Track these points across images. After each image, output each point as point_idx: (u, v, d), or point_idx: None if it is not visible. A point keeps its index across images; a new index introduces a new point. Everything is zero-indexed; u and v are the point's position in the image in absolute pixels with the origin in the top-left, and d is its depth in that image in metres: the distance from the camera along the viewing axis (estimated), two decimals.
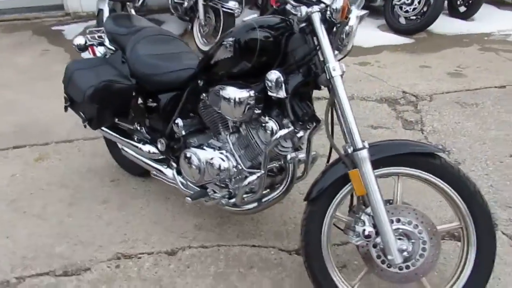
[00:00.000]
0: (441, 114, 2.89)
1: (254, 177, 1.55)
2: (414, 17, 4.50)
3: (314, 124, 1.55)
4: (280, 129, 1.49)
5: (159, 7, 5.48)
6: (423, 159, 1.38)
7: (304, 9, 1.37)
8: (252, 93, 1.48)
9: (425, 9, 4.41)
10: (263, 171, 1.52)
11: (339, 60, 1.47)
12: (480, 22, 4.98)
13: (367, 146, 1.35)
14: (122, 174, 2.37)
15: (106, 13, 2.53)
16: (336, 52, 1.41)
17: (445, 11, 5.03)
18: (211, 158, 1.65)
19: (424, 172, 1.37)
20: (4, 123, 3.02)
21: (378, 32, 4.66)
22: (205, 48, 4.12)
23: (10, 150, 2.72)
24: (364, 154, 1.32)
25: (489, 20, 5.04)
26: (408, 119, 2.85)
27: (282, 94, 1.43)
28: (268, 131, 1.50)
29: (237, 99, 1.47)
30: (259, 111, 1.52)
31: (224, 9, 3.74)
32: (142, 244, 1.87)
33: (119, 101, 1.88)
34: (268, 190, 1.68)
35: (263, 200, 1.65)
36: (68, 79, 1.97)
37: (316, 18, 1.34)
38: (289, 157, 1.56)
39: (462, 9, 5.05)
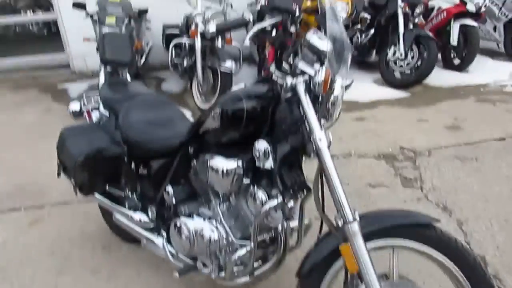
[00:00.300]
0: (440, 170, 2.85)
1: (243, 251, 1.50)
2: (409, 71, 4.58)
3: (306, 192, 1.52)
4: (269, 199, 1.45)
5: (161, 64, 5.63)
6: (418, 229, 1.33)
7: (289, 80, 1.38)
8: (240, 163, 1.46)
9: (419, 63, 4.50)
10: (252, 245, 1.47)
11: (327, 128, 1.48)
12: (475, 74, 5.06)
13: (357, 218, 1.30)
14: (114, 240, 2.32)
15: (102, 79, 2.58)
16: (323, 121, 1.41)
17: (439, 63, 5.14)
18: (201, 229, 1.61)
19: (419, 244, 1.32)
20: (3, 184, 3.02)
21: (374, 87, 4.73)
22: (204, 106, 4.19)
23: (7, 212, 2.69)
24: (355, 227, 1.27)
25: (484, 71, 5.12)
26: (407, 176, 2.81)
27: (269, 164, 1.41)
28: (258, 202, 1.47)
29: (224, 170, 1.46)
30: (248, 181, 1.50)
31: (221, 69, 3.83)
32: None
33: (110, 168, 1.87)
34: (260, 261, 1.62)
35: (256, 273, 1.59)
36: (61, 145, 1.97)
37: (301, 88, 1.35)
38: (280, 227, 1.52)
39: (457, 61, 5.15)
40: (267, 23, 1.28)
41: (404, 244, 1.33)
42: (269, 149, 1.41)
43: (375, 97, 4.35)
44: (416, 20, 4.66)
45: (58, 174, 2.06)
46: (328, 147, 1.37)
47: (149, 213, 1.87)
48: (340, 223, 1.31)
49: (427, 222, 1.34)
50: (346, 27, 4.80)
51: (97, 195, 2.07)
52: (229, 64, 3.82)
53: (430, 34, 4.55)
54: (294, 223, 1.58)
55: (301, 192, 1.51)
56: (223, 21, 1.27)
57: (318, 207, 1.43)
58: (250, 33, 1.26)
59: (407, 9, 4.50)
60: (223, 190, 1.53)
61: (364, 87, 4.67)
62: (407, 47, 4.47)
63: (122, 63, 2.21)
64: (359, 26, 5.04)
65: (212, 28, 1.18)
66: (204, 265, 1.64)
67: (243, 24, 1.30)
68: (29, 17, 6.87)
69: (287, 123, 1.43)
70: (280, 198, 1.44)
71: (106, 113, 2.09)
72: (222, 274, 1.57)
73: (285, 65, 1.41)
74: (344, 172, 2.90)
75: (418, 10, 4.54)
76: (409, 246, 1.33)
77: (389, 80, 4.70)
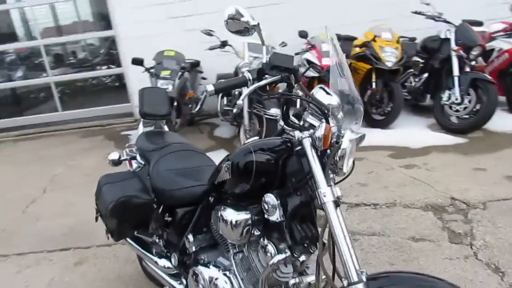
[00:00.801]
0: (495, 226, 2.59)
1: None
2: (467, 116, 4.32)
3: (319, 247, 1.46)
4: (278, 253, 1.42)
5: (216, 111, 5.89)
6: None
7: (297, 134, 1.39)
8: (249, 215, 1.46)
9: (477, 107, 4.23)
10: None
11: (336, 183, 1.44)
12: None
13: (364, 279, 1.22)
14: (147, 284, 2.37)
15: (140, 130, 2.76)
16: (333, 175, 1.38)
17: (504, 107, 4.79)
18: (216, 279, 1.60)
19: None
20: (58, 226, 3.26)
21: (428, 132, 4.50)
22: None
23: (57, 252, 2.89)
24: None
25: None
26: (456, 231, 2.58)
27: (276, 217, 1.40)
28: (267, 255, 1.44)
29: (233, 222, 1.46)
30: (258, 233, 1.49)
31: (266, 116, 3.92)
32: None
33: (138, 215, 1.95)
34: None
35: None
36: (98, 191, 2.11)
37: (307, 143, 1.34)
38: (291, 283, 1.47)
39: None
40: (264, 82, 1.30)
41: None
42: (276, 203, 1.40)
43: (428, 143, 4.13)
44: (474, 63, 4.43)
45: (96, 219, 2.19)
46: (337, 202, 1.32)
47: (172, 260, 1.90)
48: (345, 283, 1.24)
49: None
50: (396, 72, 4.70)
51: (129, 240, 2.16)
52: (273, 111, 3.90)
53: (489, 77, 4.29)
54: (310, 278, 1.52)
55: (313, 247, 1.46)
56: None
57: (321, 265, 1.37)
58: (246, 92, 1.28)
59: (461, 52, 4.31)
60: (233, 241, 1.53)
61: (417, 132, 4.47)
62: (462, 91, 4.25)
63: (159, 116, 2.35)
64: (411, 70, 4.92)
65: (210, 88, 1.23)
66: None
67: (242, 83, 1.36)
68: (103, 71, 7.61)
69: (297, 177, 1.42)
70: (288, 252, 1.41)
71: (142, 161, 2.22)
72: None
73: (292, 119, 1.42)
74: (385, 223, 2.75)
75: (474, 52, 4.33)
76: None
77: (444, 125, 4.46)
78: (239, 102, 1.32)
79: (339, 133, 1.33)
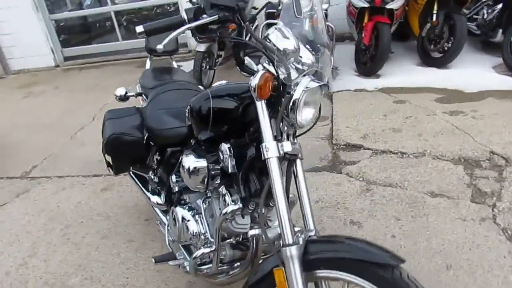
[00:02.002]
0: None
1: (206, 250, 1.48)
2: None
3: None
4: (231, 203, 1.39)
5: None
6: (374, 268, 1.11)
7: (253, 81, 1.27)
8: (205, 164, 1.43)
9: None
10: (214, 247, 1.44)
11: (297, 136, 1.33)
12: None
13: (300, 242, 1.16)
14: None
15: (147, 66, 2.74)
16: (287, 128, 1.27)
17: None
18: (188, 220, 1.64)
19: (371, 285, 1.11)
20: (97, 153, 3.48)
21: (491, 74, 3.94)
22: None
23: (90, 177, 3.14)
24: (293, 251, 1.14)
25: None
26: (482, 189, 2.33)
27: (230, 168, 1.35)
28: (221, 204, 1.42)
29: (190, 168, 1.44)
30: (217, 182, 1.46)
31: None
32: None
33: (129, 152, 2.01)
34: (238, 263, 1.58)
35: (231, 272, 1.56)
36: (102, 126, 2.20)
37: (254, 93, 1.23)
38: (250, 233, 1.44)
39: None
40: (198, 22, 1.14)
41: (354, 281, 1.13)
42: (228, 153, 1.35)
43: (486, 86, 3.64)
44: None
45: (102, 152, 2.30)
46: (285, 158, 1.23)
47: (161, 197, 1.97)
48: (281, 243, 1.18)
49: (385, 263, 1.11)
50: (464, 2, 4.06)
51: (130, 174, 2.26)
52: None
53: None
54: (273, 232, 1.49)
55: (272, 201, 1.40)
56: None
57: (262, 226, 1.31)
58: (174, 34, 1.13)
59: None
60: (192, 188, 1.52)
61: (477, 74, 3.94)
62: None
63: (166, 53, 2.31)
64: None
65: (139, 29, 1.11)
66: (185, 255, 1.67)
67: (177, 23, 1.23)
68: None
69: (253, 127, 1.34)
70: (239, 204, 1.37)
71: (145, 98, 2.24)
72: (187, 268, 1.58)
73: (249, 64, 1.29)
74: (406, 174, 2.56)
75: None
76: (360, 284, 1.13)
77: (511, 66, 3.86)
78: (159, 46, 1.16)
79: (289, 82, 1.20)
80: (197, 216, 1.63)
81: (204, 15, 1.22)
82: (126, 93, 2.31)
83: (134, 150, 2.01)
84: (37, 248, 2.35)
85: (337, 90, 4.04)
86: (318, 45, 1.26)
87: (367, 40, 4.21)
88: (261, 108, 1.23)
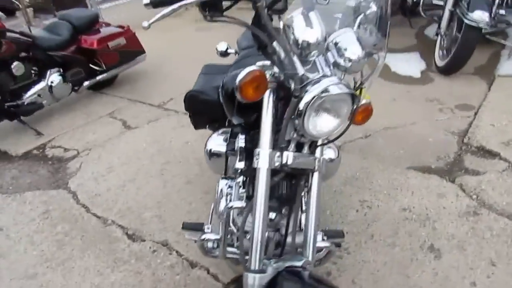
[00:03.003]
0: None
1: (211, 236, 1.41)
2: None
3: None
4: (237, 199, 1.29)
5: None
6: None
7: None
8: (226, 149, 1.33)
9: None
10: (220, 235, 1.37)
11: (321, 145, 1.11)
12: None
13: (268, 271, 1.02)
14: None
15: None
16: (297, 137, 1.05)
17: None
18: (221, 197, 1.59)
19: None
20: (168, 91, 3.69)
21: None
22: (439, 62, 3.45)
23: (164, 117, 3.33)
24: (256, 280, 1.01)
25: None
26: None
27: (238, 160, 1.23)
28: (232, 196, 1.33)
29: (211, 150, 1.37)
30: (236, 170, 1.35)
31: (466, 21, 2.96)
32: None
33: (204, 111, 2.01)
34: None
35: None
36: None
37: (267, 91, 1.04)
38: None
39: None
40: (179, 4, 0.90)
41: None
42: (242, 145, 1.21)
43: None
44: None
45: None
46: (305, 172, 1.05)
47: None
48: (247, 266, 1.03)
49: None
50: None
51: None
52: (477, 16, 2.91)
53: None
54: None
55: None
56: None
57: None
58: (168, 10, 0.92)
59: None
60: (211, 169, 1.44)
61: None
62: None
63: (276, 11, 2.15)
64: None
65: (145, 1, 0.94)
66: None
67: None
68: None
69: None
70: (244, 203, 1.24)
71: None
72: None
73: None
74: None
75: None
76: None
77: None
78: (144, 24, 0.99)
79: (296, 84, 0.96)
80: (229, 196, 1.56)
81: None
82: (227, 49, 2.26)
83: (210, 110, 2.00)
84: (138, 175, 2.67)
85: (505, 74, 3.20)
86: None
87: None
88: (266, 107, 1.04)
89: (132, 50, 4.20)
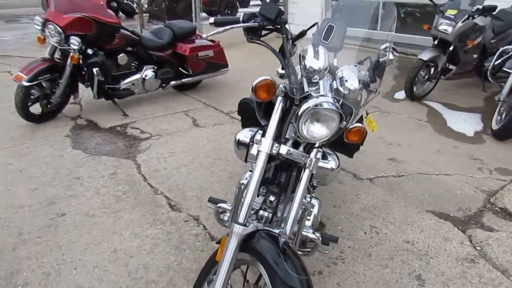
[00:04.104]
0: None
1: (225, 205, 1.80)
2: None
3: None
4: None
5: None
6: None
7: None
8: (249, 141, 1.71)
9: None
10: (231, 206, 1.74)
11: (317, 147, 1.46)
12: None
13: (248, 226, 1.34)
14: None
15: None
16: (294, 134, 1.42)
17: None
18: None
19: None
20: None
21: None
22: (495, 127, 3.52)
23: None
24: (238, 230, 1.35)
25: None
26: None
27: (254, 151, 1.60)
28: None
29: (237, 139, 1.75)
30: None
31: None
32: None
33: (252, 116, 2.40)
34: None
35: None
36: None
37: (281, 92, 1.42)
38: (258, 214, 1.68)
39: None
40: (240, 25, 1.26)
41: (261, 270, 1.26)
42: (256, 140, 1.58)
43: None
44: None
45: None
46: (296, 165, 1.41)
47: None
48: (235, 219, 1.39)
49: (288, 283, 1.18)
50: None
51: None
52: None
53: None
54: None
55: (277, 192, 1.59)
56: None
57: None
58: (221, 29, 1.28)
59: None
60: (236, 154, 1.82)
61: None
62: None
63: None
64: None
65: (211, 20, 1.32)
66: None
67: (235, 21, 1.43)
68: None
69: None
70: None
71: None
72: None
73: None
74: None
75: None
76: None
77: None
78: (203, 35, 1.36)
79: (294, 95, 1.33)
80: None
81: (252, 20, 1.44)
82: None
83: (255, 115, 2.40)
84: (192, 163, 3.14)
85: None
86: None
87: None
88: (276, 109, 1.42)
89: (217, 62, 4.80)
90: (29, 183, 2.84)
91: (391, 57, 1.58)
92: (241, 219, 1.37)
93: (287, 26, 1.45)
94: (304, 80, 1.37)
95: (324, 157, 1.72)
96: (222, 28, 1.39)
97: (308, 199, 1.65)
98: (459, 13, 4.08)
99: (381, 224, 2.42)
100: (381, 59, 1.59)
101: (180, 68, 4.62)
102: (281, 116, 1.43)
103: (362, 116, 1.89)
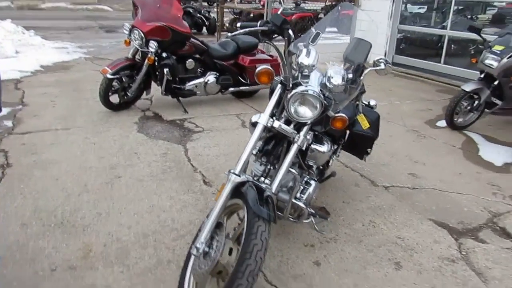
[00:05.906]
0: None
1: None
2: None
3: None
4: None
5: None
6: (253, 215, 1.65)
7: None
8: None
9: None
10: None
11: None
12: None
13: (242, 177, 1.79)
14: None
15: None
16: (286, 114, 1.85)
17: None
18: None
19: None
20: None
21: None
22: None
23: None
24: (232, 178, 1.79)
25: None
26: None
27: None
28: None
29: (252, 121, 2.22)
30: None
31: None
32: None
33: None
34: None
35: None
36: None
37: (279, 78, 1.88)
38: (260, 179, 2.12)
39: None
40: (251, 29, 1.70)
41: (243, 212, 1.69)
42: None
43: None
44: None
45: None
46: (287, 139, 1.86)
47: None
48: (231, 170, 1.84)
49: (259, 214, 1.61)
50: None
51: None
52: None
53: None
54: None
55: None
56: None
57: None
58: (241, 31, 1.75)
59: None
60: (250, 132, 2.27)
61: None
62: None
63: None
64: None
65: (238, 24, 1.79)
66: None
67: (253, 26, 1.90)
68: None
69: None
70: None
71: None
72: None
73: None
74: None
75: None
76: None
77: None
78: (229, 34, 1.78)
79: (287, 82, 1.77)
80: None
81: (264, 26, 1.91)
82: None
83: None
84: (231, 154, 3.65)
85: None
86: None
87: None
88: (275, 94, 1.87)
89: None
90: (99, 153, 3.53)
91: (382, 66, 1.95)
92: (237, 170, 1.82)
93: (289, 31, 1.91)
94: (298, 73, 1.80)
95: (321, 142, 2.12)
96: (243, 30, 1.88)
97: (296, 172, 2.04)
98: (506, 49, 4.21)
99: (381, 221, 2.70)
100: (376, 68, 1.97)
101: (240, 77, 5.21)
102: (278, 99, 1.88)
103: (357, 114, 2.28)
